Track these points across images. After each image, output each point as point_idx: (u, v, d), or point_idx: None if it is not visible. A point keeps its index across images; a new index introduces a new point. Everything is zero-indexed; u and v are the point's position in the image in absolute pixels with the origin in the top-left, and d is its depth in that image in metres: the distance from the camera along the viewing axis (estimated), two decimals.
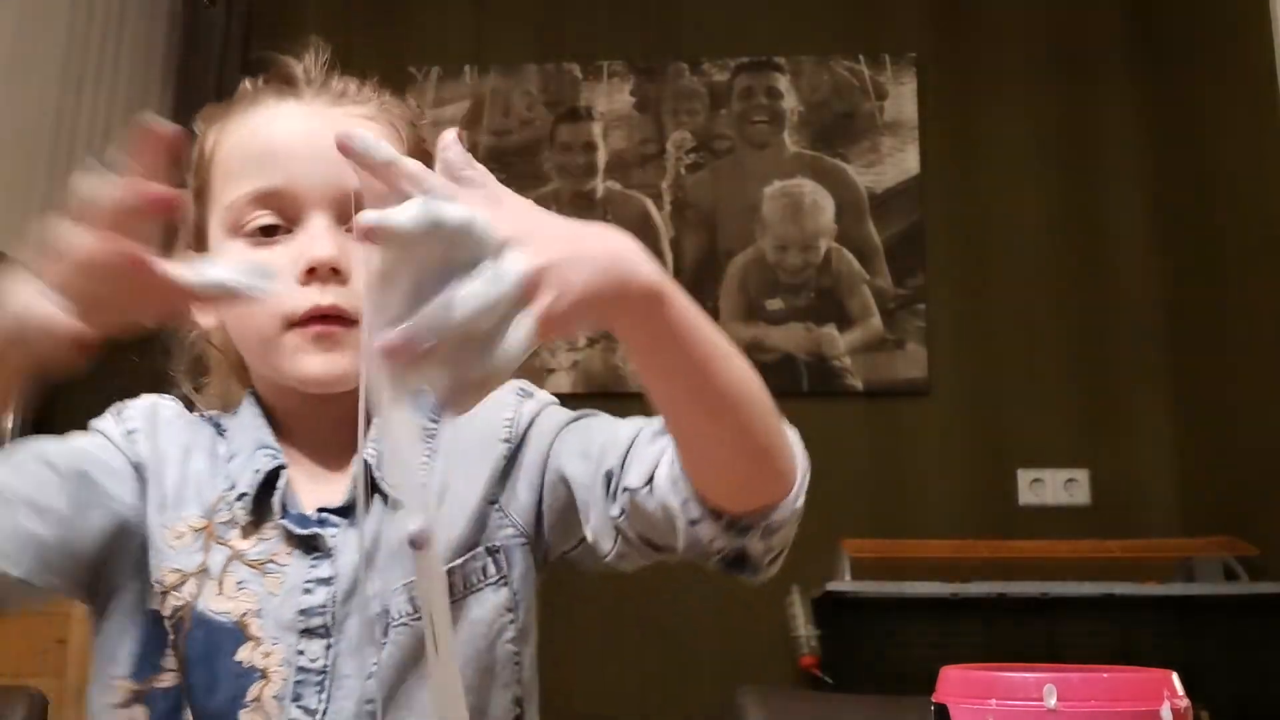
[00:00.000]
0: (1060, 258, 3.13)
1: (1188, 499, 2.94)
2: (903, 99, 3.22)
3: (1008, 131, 3.21)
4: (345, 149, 0.56)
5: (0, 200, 2.52)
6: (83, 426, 0.90)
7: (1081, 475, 2.99)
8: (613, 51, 3.32)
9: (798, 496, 0.75)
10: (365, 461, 0.84)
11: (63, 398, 3.26)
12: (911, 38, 3.27)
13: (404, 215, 0.53)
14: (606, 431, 0.84)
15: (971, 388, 3.07)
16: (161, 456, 0.87)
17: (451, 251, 0.54)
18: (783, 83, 3.27)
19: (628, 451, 0.80)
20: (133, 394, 0.93)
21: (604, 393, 3.08)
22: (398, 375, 0.55)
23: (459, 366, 0.55)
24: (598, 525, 0.83)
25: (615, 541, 0.82)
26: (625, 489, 0.79)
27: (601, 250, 0.60)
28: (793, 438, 0.77)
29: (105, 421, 0.89)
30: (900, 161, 3.19)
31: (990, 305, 3.12)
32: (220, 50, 3.20)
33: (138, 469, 0.86)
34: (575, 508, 0.85)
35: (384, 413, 0.56)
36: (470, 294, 0.54)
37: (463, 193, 0.58)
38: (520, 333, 0.55)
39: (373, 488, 0.85)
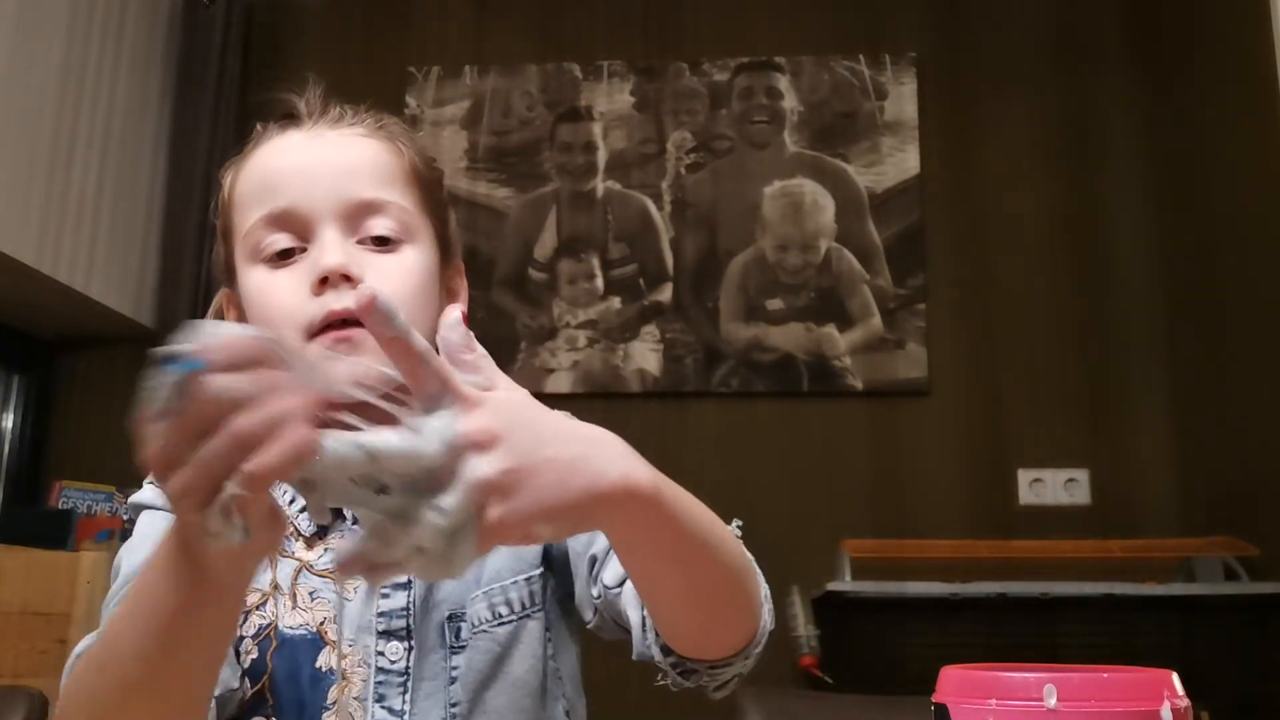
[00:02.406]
0: (1060, 257, 3.12)
1: (1188, 499, 2.93)
2: (903, 99, 3.22)
3: (1008, 131, 3.21)
4: (366, 308, 0.54)
5: (0, 200, 2.52)
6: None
7: (1081, 475, 2.99)
8: (613, 51, 3.32)
9: (751, 653, 0.78)
10: None
11: (61, 399, 3.23)
12: (911, 38, 3.27)
13: (332, 443, 0.52)
14: None
15: (971, 388, 3.07)
16: None
17: (396, 473, 0.53)
18: (783, 83, 3.27)
19: None
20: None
21: (604, 393, 3.09)
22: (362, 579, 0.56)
23: (414, 570, 0.55)
24: (581, 596, 0.88)
25: (594, 615, 0.87)
26: (601, 582, 0.84)
27: (570, 457, 0.57)
28: (763, 595, 0.78)
29: (149, 493, 0.89)
30: (900, 161, 3.19)
31: (990, 305, 3.12)
32: (220, 50, 3.20)
33: None
34: (569, 566, 0.89)
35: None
36: (420, 524, 0.53)
37: (451, 385, 0.57)
38: (468, 547, 0.54)
39: None
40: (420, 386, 0.55)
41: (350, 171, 0.88)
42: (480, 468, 0.54)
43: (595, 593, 0.85)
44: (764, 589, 0.78)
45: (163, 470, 0.51)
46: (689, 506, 0.66)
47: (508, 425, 0.56)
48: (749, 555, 0.76)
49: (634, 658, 0.82)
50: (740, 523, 0.76)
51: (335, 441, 0.52)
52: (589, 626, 0.89)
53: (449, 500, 0.53)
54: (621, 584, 0.82)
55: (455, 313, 0.60)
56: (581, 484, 0.57)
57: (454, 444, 0.54)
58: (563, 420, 0.61)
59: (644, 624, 0.79)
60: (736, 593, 0.74)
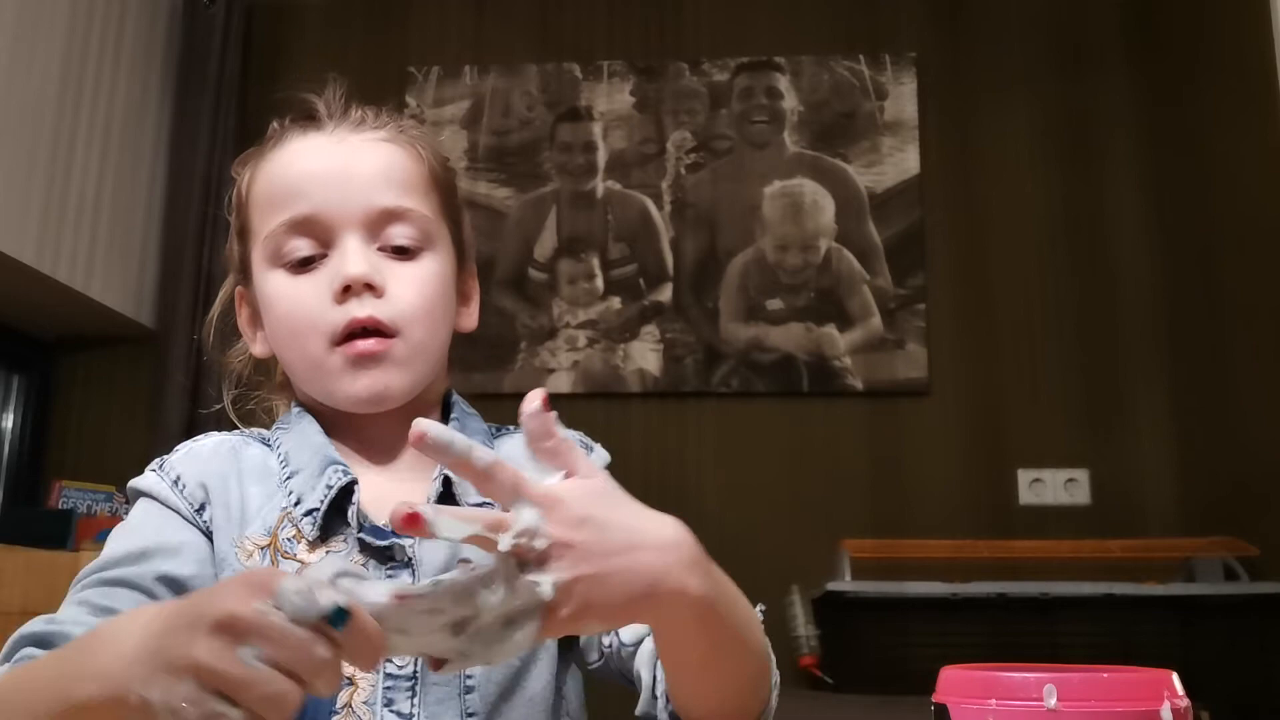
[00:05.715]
0: (1060, 257, 3.12)
1: (1188, 499, 2.93)
2: (903, 99, 3.22)
3: (1008, 131, 3.21)
4: (420, 440, 0.57)
5: (0, 200, 2.52)
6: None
7: (1081, 475, 2.99)
8: (613, 51, 3.32)
9: None
10: (446, 476, 0.87)
11: (61, 399, 3.22)
12: (911, 38, 3.27)
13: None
14: None
15: (971, 388, 3.07)
16: (216, 487, 0.88)
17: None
18: (783, 83, 3.27)
19: None
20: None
21: (604, 393, 3.09)
22: (397, 622, 0.55)
23: (459, 641, 0.56)
24: (588, 639, 0.88)
25: (599, 659, 0.88)
26: (618, 636, 0.85)
27: (633, 566, 0.60)
28: (774, 680, 0.80)
29: (148, 480, 0.89)
30: (900, 161, 3.19)
31: (990, 305, 3.12)
32: (220, 50, 3.20)
33: (200, 511, 0.86)
34: None
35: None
36: (488, 600, 0.55)
37: (531, 484, 0.59)
38: (526, 636, 0.57)
39: (449, 498, 0.87)
40: (497, 497, 0.58)
41: (373, 178, 0.89)
42: (544, 585, 0.56)
43: (607, 642, 0.86)
44: (775, 675, 0.80)
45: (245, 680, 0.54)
46: (733, 607, 0.69)
47: (576, 529, 0.59)
48: (767, 642, 0.78)
49: (637, 713, 0.83)
50: (764, 607, 0.79)
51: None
52: (590, 667, 0.89)
53: (539, 588, 0.57)
54: (638, 644, 0.83)
55: (535, 401, 0.61)
56: (638, 592, 0.60)
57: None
58: (631, 515, 0.62)
59: (654, 686, 0.81)
60: (756, 682, 0.77)
